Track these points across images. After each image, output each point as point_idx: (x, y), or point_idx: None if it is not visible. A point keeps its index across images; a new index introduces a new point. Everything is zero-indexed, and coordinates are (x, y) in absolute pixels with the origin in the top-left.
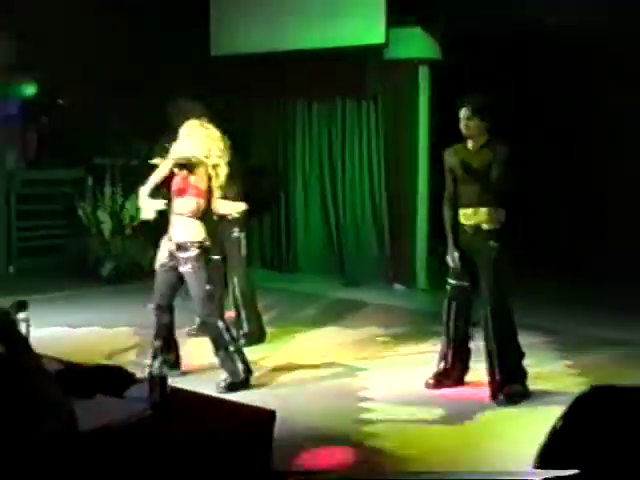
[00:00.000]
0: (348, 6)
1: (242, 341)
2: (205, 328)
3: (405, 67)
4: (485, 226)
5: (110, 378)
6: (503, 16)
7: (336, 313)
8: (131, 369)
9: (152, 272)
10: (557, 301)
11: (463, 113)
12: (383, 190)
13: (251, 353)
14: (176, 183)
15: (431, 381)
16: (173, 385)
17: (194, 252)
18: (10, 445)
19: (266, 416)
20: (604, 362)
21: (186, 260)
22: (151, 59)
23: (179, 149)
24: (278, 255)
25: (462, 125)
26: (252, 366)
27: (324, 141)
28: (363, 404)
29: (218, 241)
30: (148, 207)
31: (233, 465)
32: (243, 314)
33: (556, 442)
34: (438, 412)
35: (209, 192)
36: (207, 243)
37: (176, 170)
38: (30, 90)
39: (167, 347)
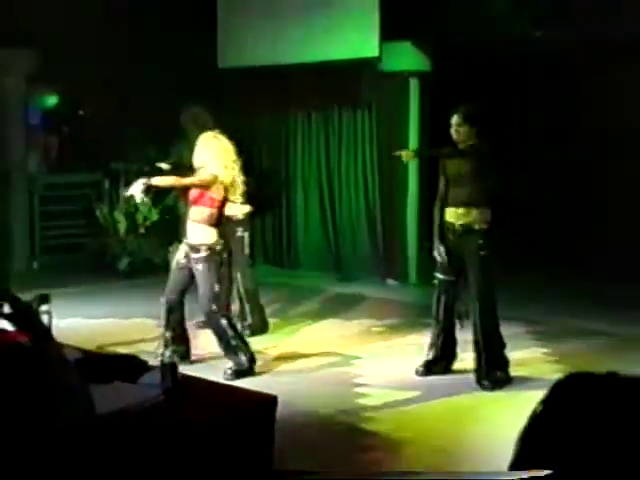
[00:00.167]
0: (345, 22)
1: (247, 332)
2: (209, 325)
3: (397, 79)
4: (475, 226)
5: (125, 366)
6: (490, 31)
7: (334, 306)
8: (144, 358)
9: (164, 268)
10: (541, 295)
11: (454, 119)
12: (376, 193)
13: (255, 343)
14: (193, 193)
15: (421, 368)
16: (183, 372)
17: (204, 254)
18: (35, 427)
19: (269, 401)
20: (582, 351)
21: (197, 260)
22: (163, 73)
23: (200, 162)
24: (280, 252)
25: (453, 130)
26: (256, 355)
27: (322, 148)
28: (359, 390)
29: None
30: (137, 190)
31: (239, 445)
32: (247, 307)
33: (536, 425)
34: (428, 397)
35: (223, 202)
36: (218, 247)
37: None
38: (52, 101)
39: (177, 338)
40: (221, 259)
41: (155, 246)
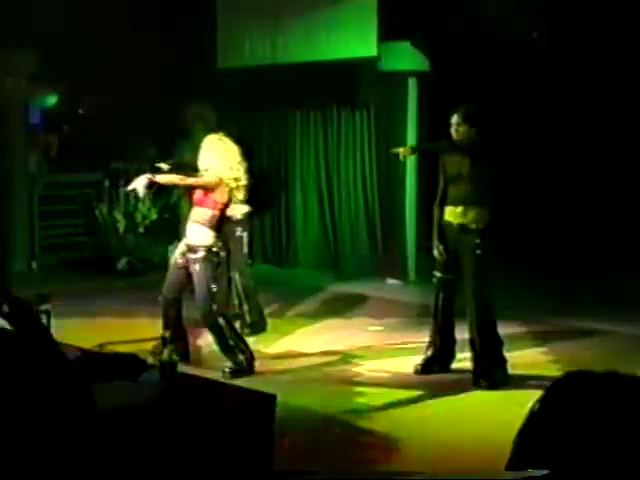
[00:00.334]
0: (344, 22)
1: (246, 331)
2: (206, 324)
3: (395, 79)
4: (472, 225)
5: (125, 365)
6: (488, 31)
7: (332, 305)
8: (144, 356)
9: (163, 267)
10: (541, 294)
11: (454, 119)
12: (375, 192)
13: (254, 342)
14: (197, 194)
15: (420, 367)
16: (182, 371)
17: (202, 254)
18: (35, 427)
19: (268, 400)
20: (581, 350)
21: (194, 261)
22: (164, 73)
23: (205, 165)
24: (279, 252)
25: (453, 130)
26: (255, 354)
27: (321, 147)
28: (358, 389)
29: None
30: (140, 184)
31: (238, 444)
32: (245, 306)
33: (535, 424)
34: (426, 396)
35: (226, 205)
36: (216, 248)
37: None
38: (52, 101)
39: (176, 337)
40: (218, 259)
41: (153, 244)
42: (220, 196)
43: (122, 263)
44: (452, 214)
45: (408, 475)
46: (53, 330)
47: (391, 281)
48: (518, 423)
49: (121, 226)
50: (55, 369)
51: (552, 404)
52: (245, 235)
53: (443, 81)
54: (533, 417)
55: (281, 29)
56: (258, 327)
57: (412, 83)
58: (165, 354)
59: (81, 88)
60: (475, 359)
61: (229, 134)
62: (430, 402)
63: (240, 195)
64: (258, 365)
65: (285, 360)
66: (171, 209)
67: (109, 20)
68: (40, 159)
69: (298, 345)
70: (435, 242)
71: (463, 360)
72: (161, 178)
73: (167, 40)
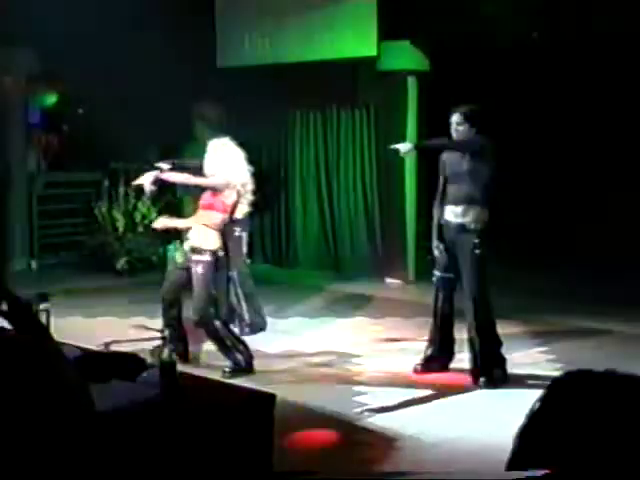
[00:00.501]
0: (343, 22)
1: (246, 330)
2: (202, 327)
3: (395, 78)
4: (471, 225)
5: (124, 364)
6: (488, 31)
7: (332, 304)
8: (143, 356)
9: (162, 266)
10: (540, 294)
11: (454, 119)
12: (375, 191)
13: (253, 341)
14: (205, 198)
15: (419, 366)
16: (182, 371)
17: (205, 258)
18: (34, 426)
19: (267, 399)
20: (579, 350)
21: (197, 263)
22: (164, 73)
23: (211, 170)
24: (279, 252)
25: (453, 129)
26: (254, 353)
27: (320, 147)
28: (357, 388)
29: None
30: (147, 180)
31: (237, 443)
32: (245, 306)
33: (535, 423)
34: (426, 396)
35: (234, 207)
36: (220, 252)
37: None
38: (51, 100)
39: (175, 336)
40: (220, 263)
41: (152, 244)
42: (229, 199)
43: (121, 263)
44: (452, 213)
45: (408, 475)
46: (53, 330)
47: (391, 281)
48: (518, 422)
49: (120, 225)
50: (55, 369)
51: (552, 404)
52: (244, 235)
53: (443, 81)
54: (533, 417)
55: (281, 29)
56: (258, 327)
57: (412, 83)
58: (165, 354)
59: (81, 88)
60: (474, 358)
61: (234, 138)
62: (430, 402)
63: (247, 199)
64: (258, 364)
65: (285, 360)
66: (171, 209)
67: (109, 19)
68: (39, 158)
69: (298, 345)
70: (435, 242)
71: (462, 360)
72: (169, 176)
73: (167, 40)
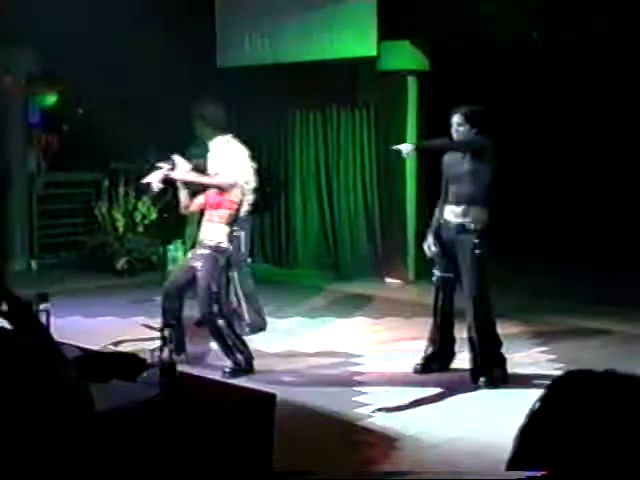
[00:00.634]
0: (343, 21)
1: (246, 330)
2: (206, 324)
3: (395, 78)
4: (471, 225)
5: (124, 364)
6: (488, 31)
7: (332, 304)
8: (143, 356)
9: (162, 266)
10: (540, 294)
11: (455, 119)
12: (375, 191)
13: (253, 341)
14: (212, 197)
15: (419, 366)
16: (181, 370)
17: (208, 251)
18: (34, 425)
19: (267, 399)
20: (579, 350)
21: (200, 257)
22: (163, 73)
23: (215, 169)
24: (278, 252)
25: (453, 130)
26: (254, 353)
27: (320, 147)
28: (357, 388)
29: None
30: (156, 178)
31: (237, 443)
32: (245, 306)
33: (535, 423)
34: (427, 395)
35: (241, 204)
36: (224, 245)
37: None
38: (51, 100)
39: (176, 336)
40: (224, 256)
41: (152, 244)
42: (235, 196)
43: (121, 263)
44: (452, 213)
45: (408, 475)
46: (53, 330)
47: (391, 281)
48: (518, 422)
49: (120, 225)
50: (55, 369)
51: (552, 403)
52: (243, 235)
53: (443, 81)
54: (533, 416)
55: (281, 29)
56: (257, 327)
57: (412, 82)
58: (165, 353)
59: (81, 88)
60: (474, 358)
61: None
62: (430, 402)
63: (249, 197)
64: (258, 364)
65: (285, 360)
66: (171, 209)
67: (109, 19)
68: (39, 158)
69: (297, 345)
70: (429, 238)
71: (463, 359)
72: (177, 174)
73: (167, 40)
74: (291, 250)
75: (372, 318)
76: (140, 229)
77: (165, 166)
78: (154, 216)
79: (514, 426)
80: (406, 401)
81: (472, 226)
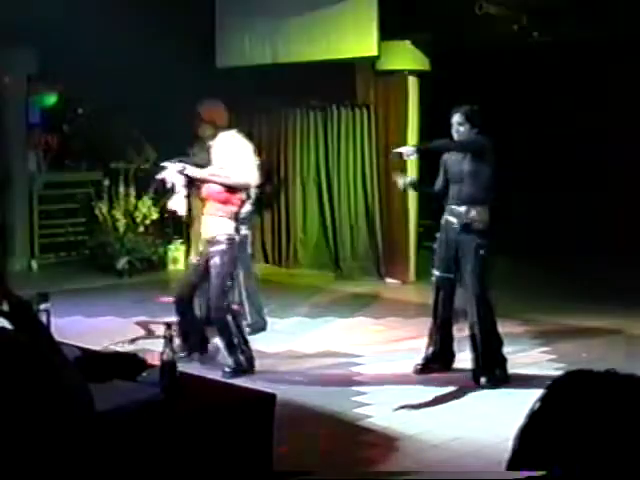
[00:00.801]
0: (343, 22)
1: (247, 330)
2: (214, 319)
3: (395, 77)
4: (474, 225)
5: (124, 364)
6: (488, 31)
7: (332, 304)
8: (143, 355)
9: (162, 266)
10: (541, 294)
11: (455, 119)
12: (375, 191)
13: (254, 341)
14: (221, 193)
15: (420, 366)
16: (182, 370)
17: (221, 247)
18: (35, 426)
19: (267, 399)
20: (579, 349)
21: (214, 254)
22: (163, 73)
23: (219, 163)
24: (279, 251)
25: (454, 130)
26: (255, 353)
27: (321, 146)
28: (358, 388)
29: None
30: (174, 171)
31: (237, 443)
32: (247, 306)
33: (535, 423)
34: (427, 395)
35: (244, 201)
36: (236, 237)
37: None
38: (52, 100)
39: (179, 335)
40: (236, 254)
41: (152, 244)
42: (241, 194)
43: (122, 262)
44: (453, 214)
45: (408, 475)
46: (53, 330)
47: (391, 281)
48: (518, 422)
49: (121, 225)
50: (55, 368)
51: (552, 403)
52: (249, 234)
53: (443, 81)
54: (533, 416)
55: (281, 29)
56: (258, 327)
57: (412, 82)
58: (166, 353)
59: (81, 87)
60: (475, 358)
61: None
62: (430, 402)
63: (252, 192)
64: (258, 365)
65: (285, 360)
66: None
67: (109, 19)
68: (39, 158)
69: (298, 345)
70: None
71: (463, 359)
72: (191, 170)
73: (167, 40)
74: (291, 250)
75: (372, 318)
76: (141, 229)
77: (172, 165)
78: (155, 216)
79: (514, 426)
80: (406, 401)
81: (474, 226)
